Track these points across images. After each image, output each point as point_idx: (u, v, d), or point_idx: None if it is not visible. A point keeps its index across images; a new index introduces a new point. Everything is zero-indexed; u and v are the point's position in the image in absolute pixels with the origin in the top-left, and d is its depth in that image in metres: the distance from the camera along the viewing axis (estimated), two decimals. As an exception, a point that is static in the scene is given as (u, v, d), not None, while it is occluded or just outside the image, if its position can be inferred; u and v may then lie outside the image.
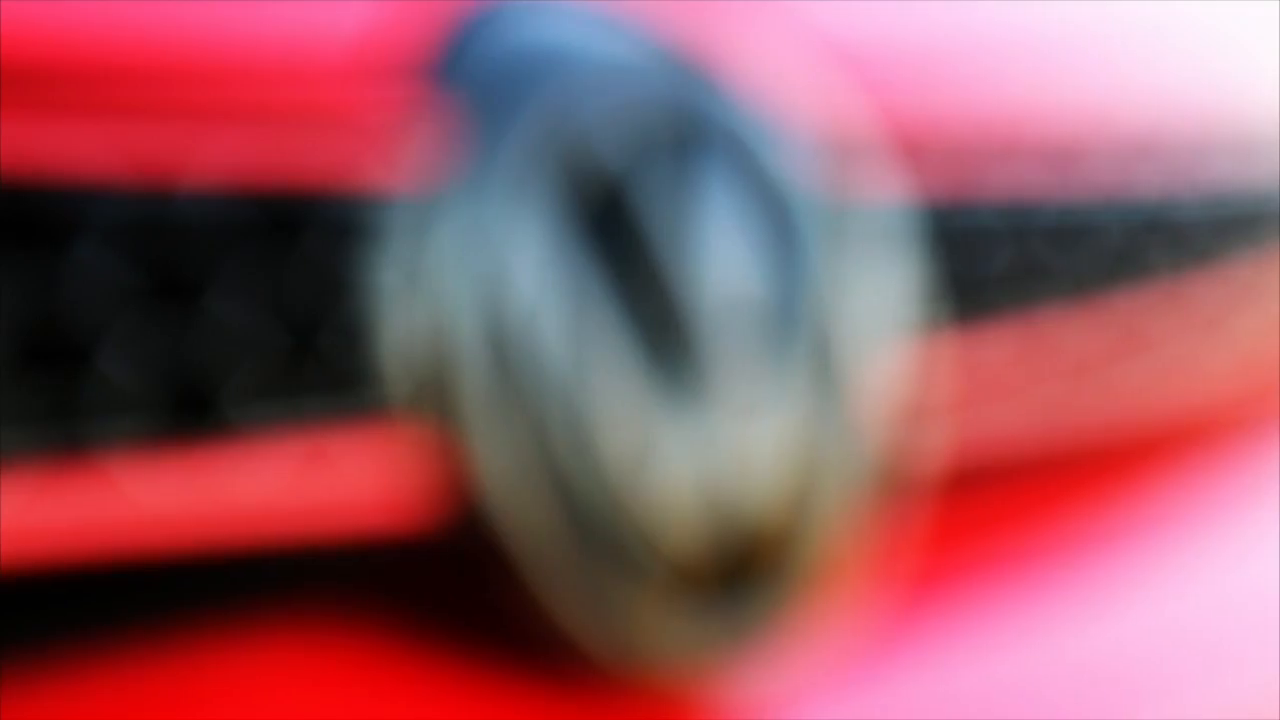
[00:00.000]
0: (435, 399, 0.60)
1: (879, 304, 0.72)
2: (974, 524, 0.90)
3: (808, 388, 0.70)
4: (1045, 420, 0.90)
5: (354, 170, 0.59)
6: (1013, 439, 0.89)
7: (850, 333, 0.71)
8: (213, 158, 0.56)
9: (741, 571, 0.69)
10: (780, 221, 0.70)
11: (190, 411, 0.56)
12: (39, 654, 0.55)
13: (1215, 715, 0.88)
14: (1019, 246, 0.88)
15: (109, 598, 0.57)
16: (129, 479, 0.55)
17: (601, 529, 0.64)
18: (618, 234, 0.65)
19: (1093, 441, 0.97)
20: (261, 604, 0.60)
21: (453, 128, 0.62)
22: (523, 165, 0.62)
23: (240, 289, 0.56)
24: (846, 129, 0.76)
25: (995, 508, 0.91)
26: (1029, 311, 0.89)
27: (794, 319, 0.70)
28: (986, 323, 0.86)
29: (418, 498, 0.61)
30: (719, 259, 0.67)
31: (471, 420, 0.61)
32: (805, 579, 0.70)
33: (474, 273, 0.61)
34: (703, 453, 0.66)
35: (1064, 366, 0.92)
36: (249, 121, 0.57)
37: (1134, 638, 0.91)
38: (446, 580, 0.62)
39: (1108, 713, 0.85)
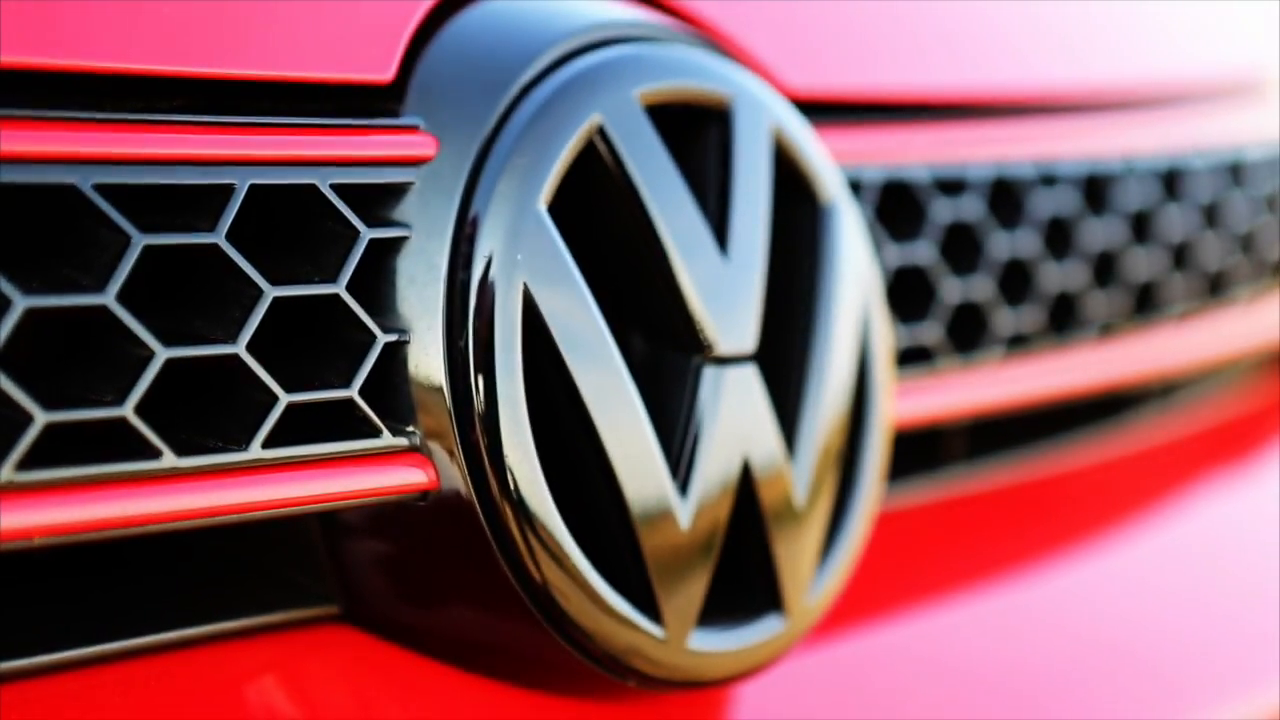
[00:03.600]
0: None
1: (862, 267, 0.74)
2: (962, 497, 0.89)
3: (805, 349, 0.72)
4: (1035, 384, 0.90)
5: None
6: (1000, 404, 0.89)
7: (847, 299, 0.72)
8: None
9: (738, 548, 0.70)
10: (798, 190, 0.71)
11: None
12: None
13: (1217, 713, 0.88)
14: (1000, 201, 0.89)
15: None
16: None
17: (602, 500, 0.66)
18: (621, 206, 0.66)
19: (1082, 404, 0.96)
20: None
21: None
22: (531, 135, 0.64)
23: None
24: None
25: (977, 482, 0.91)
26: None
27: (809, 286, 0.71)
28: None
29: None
30: (734, 225, 0.68)
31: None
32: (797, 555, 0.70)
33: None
34: (700, 422, 0.67)
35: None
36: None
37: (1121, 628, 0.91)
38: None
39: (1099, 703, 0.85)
